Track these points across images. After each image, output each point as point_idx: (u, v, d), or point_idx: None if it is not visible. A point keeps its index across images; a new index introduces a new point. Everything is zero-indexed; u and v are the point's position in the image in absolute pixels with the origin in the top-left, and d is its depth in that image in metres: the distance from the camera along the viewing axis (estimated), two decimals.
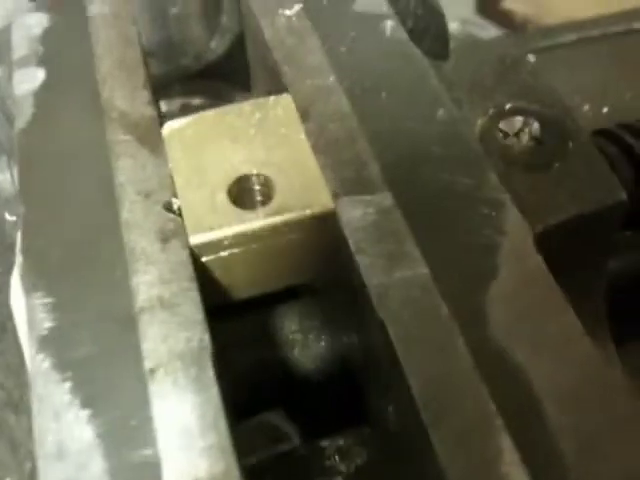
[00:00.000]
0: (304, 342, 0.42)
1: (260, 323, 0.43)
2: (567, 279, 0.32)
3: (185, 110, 0.62)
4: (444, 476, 0.26)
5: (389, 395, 0.33)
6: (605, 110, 0.50)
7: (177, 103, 0.65)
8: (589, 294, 0.39)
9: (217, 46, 0.67)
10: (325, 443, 0.38)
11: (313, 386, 0.41)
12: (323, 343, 0.41)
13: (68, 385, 0.28)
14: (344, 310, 0.38)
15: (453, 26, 0.67)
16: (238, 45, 0.66)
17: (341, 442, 0.37)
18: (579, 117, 0.37)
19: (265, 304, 0.44)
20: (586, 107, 0.49)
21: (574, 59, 0.56)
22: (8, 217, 0.41)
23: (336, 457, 0.37)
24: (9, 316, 0.37)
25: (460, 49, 0.44)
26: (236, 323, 0.41)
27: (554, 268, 0.32)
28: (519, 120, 0.36)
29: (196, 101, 0.65)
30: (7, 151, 0.43)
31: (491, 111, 0.37)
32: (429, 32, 0.43)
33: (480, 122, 0.36)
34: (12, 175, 0.42)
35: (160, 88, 0.38)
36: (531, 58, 0.46)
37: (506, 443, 0.27)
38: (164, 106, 0.57)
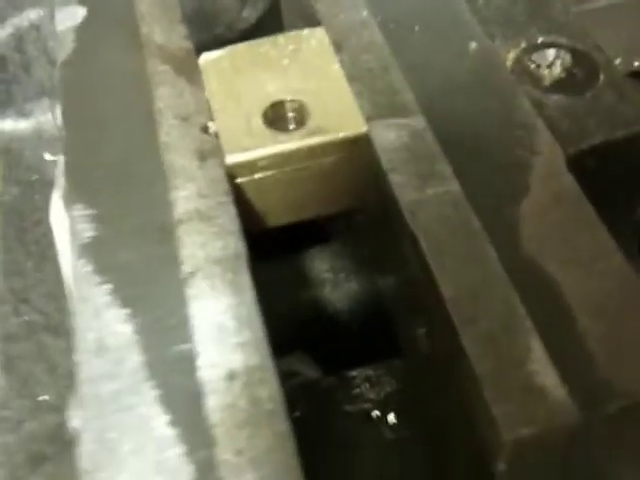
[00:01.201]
0: (335, 281, 0.43)
1: (292, 264, 0.44)
2: (598, 212, 0.32)
3: None
4: (473, 375, 0.27)
5: (420, 317, 0.33)
6: (637, 63, 0.50)
7: None
8: (620, 231, 0.39)
9: (249, 15, 0.68)
10: (353, 373, 0.38)
11: (343, 323, 0.42)
12: (353, 280, 0.42)
13: (108, 287, 0.29)
14: (374, 244, 0.38)
15: None
16: (270, 14, 0.67)
17: (370, 372, 0.38)
18: None
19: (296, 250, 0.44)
20: (618, 60, 0.49)
21: (604, 19, 0.57)
22: (48, 157, 0.43)
23: (365, 385, 0.37)
24: (49, 245, 0.38)
25: None
26: (268, 264, 0.41)
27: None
28: (551, 53, 0.36)
29: None
30: (49, 93, 0.44)
31: (523, 44, 0.37)
32: None
33: (512, 55, 0.37)
34: (54, 116, 0.43)
35: None
36: None
37: (535, 343, 0.27)
38: None
